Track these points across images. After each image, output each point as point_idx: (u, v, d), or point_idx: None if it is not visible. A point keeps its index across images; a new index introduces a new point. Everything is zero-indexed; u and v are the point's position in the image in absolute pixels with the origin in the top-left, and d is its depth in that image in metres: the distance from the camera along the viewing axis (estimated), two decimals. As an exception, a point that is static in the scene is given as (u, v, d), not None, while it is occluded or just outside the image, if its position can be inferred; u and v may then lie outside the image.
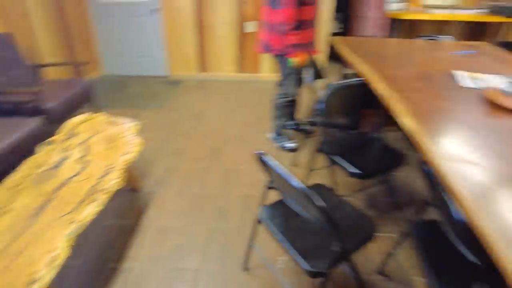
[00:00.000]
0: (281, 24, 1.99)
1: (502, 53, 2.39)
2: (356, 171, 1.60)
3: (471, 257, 0.93)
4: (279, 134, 2.57)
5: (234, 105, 3.34)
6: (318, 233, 1.21)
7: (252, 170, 2.28)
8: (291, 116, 2.78)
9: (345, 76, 2.81)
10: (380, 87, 1.63)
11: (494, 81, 1.74)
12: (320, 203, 0.93)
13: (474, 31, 4.80)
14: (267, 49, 2.24)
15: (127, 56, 4.07)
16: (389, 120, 2.15)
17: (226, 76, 4.08)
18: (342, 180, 2.20)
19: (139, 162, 2.36)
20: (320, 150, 1.82)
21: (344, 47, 2.35)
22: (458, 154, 1.07)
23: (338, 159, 1.69)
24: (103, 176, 1.52)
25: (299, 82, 2.35)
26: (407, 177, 2.26)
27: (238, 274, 1.54)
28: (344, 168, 1.65)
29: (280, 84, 2.37)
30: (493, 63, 2.11)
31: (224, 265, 1.58)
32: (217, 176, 2.23)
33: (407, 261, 1.62)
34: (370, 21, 4.08)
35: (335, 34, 4.50)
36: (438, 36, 2.96)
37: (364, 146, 1.83)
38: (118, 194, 2.03)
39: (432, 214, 1.32)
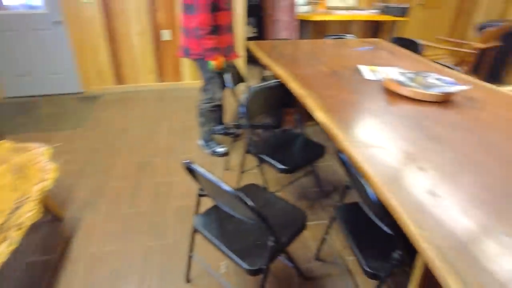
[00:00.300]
0: (197, 28, 2.02)
1: (394, 47, 2.74)
2: (283, 166, 1.69)
3: (387, 230, 1.06)
4: (208, 140, 2.58)
5: (158, 116, 3.24)
6: (253, 232, 1.25)
7: (184, 180, 2.24)
8: (218, 121, 2.81)
9: (264, 79, 2.93)
10: (295, 87, 1.74)
11: (389, 72, 1.98)
12: (250, 202, 0.97)
13: (372, 29, 5.39)
14: (187, 53, 2.26)
15: (31, 75, 3.66)
16: (308, 116, 2.29)
17: (147, 87, 3.94)
18: (272, 176, 2.29)
19: (59, 189, 2.15)
20: (248, 151, 1.88)
21: (259, 51, 2.46)
22: (366, 140, 1.21)
23: (265, 158, 1.76)
24: (14, 211, 1.36)
25: (222, 86, 2.38)
26: (330, 166, 2.45)
27: (182, 287, 1.51)
28: (272, 166, 1.73)
29: (203, 89, 2.38)
30: (388, 56, 2.41)
31: (166, 281, 1.54)
32: (148, 192, 2.14)
33: (338, 244, 1.76)
34: (283, 24, 4.31)
35: (250, 38, 4.66)
36: (343, 35, 3.26)
37: (288, 142, 1.94)
38: (36, 227, 1.83)
39: (353, 197, 1.46)
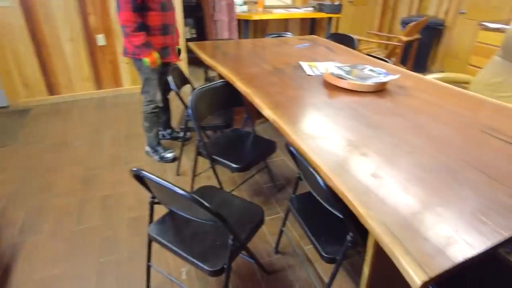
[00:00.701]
0: (122, 26, 2.00)
1: (330, 43, 2.89)
2: (236, 165, 1.70)
3: (338, 215, 1.12)
4: (154, 146, 2.50)
5: (100, 125, 3.06)
6: (211, 233, 1.25)
7: (134, 190, 2.15)
8: (165, 125, 2.74)
9: (209, 79, 2.91)
10: (241, 86, 1.76)
11: (328, 67, 2.09)
12: (206, 204, 0.96)
13: (308, 26, 5.62)
14: (124, 52, 2.21)
15: None
16: (258, 114, 2.32)
17: (84, 96, 3.69)
18: (226, 177, 2.30)
19: (-11, 215, 1.94)
20: (199, 154, 1.86)
21: (201, 51, 2.44)
22: (312, 133, 1.26)
23: (218, 158, 1.75)
24: None
25: (163, 87, 2.33)
26: (282, 160, 2.52)
27: (142, 301, 1.46)
28: (225, 166, 1.73)
29: (142, 91, 2.31)
30: (325, 52, 2.53)
31: (124, 297, 1.47)
32: (96, 206, 2.02)
33: (296, 234, 1.82)
34: (223, 24, 4.31)
35: (189, 39, 4.61)
36: (282, 33, 3.36)
37: (239, 141, 1.95)
38: (-34, 261, 1.63)
39: (305, 187, 1.52)
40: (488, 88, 2.50)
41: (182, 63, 4.00)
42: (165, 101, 2.63)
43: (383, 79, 1.73)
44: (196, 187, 2.17)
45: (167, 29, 2.18)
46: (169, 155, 2.48)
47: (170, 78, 2.01)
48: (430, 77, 2.55)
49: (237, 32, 4.44)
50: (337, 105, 1.54)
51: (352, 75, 1.80)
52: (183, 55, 3.95)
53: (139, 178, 1.10)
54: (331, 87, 1.77)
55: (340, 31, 5.82)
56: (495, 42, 3.69)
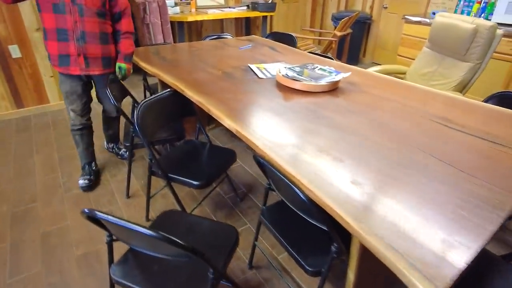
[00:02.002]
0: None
1: (272, 43, 2.86)
2: (197, 182, 1.57)
3: (319, 225, 1.07)
4: (82, 165, 2.27)
5: (26, 150, 2.67)
6: (184, 267, 1.12)
7: (80, 222, 1.89)
8: (108, 138, 2.49)
9: (150, 88, 2.70)
10: (191, 95, 1.63)
11: (277, 68, 2.05)
12: (179, 241, 0.84)
13: (243, 25, 5.58)
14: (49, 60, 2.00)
15: None
16: (208, 119, 2.17)
17: (1, 117, 3.20)
18: (184, 192, 2.14)
19: None
20: (153, 173, 1.69)
21: (139, 59, 2.24)
22: (279, 141, 1.20)
23: (175, 177, 1.61)
24: None
25: (80, 105, 2.08)
26: (239, 167, 2.43)
27: None
28: (185, 183, 1.59)
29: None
30: (270, 52, 2.49)
31: None
32: (33, 249, 1.73)
33: (267, 245, 1.75)
34: (156, 27, 4.06)
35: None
36: (220, 34, 3.25)
37: (194, 154, 1.82)
38: None
39: (274, 197, 1.46)
40: (422, 77, 2.68)
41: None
42: (114, 119, 2.40)
43: (335, 78, 1.74)
44: (152, 209, 1.99)
45: (63, 34, 1.87)
46: (81, 181, 2.20)
47: (108, 90, 1.80)
48: (371, 70, 2.66)
49: (172, 35, 4.22)
50: (295, 108, 1.49)
51: (304, 76, 1.77)
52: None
53: (94, 220, 0.92)
54: (285, 89, 1.73)
55: (275, 29, 5.88)
56: (418, 34, 4.01)
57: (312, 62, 2.07)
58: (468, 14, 3.98)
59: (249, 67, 2.08)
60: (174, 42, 4.69)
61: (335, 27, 5.06)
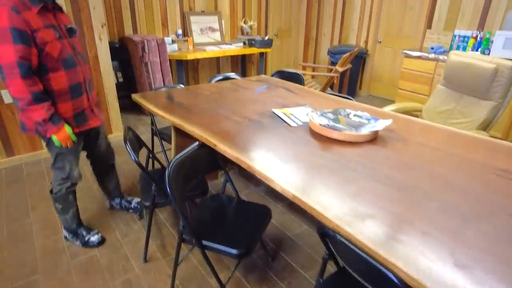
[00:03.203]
0: (13, 99, 1.51)
1: (285, 83, 2.78)
2: (237, 250, 1.38)
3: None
4: (74, 229, 2.00)
5: (19, 206, 2.39)
6: None
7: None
8: (111, 193, 2.29)
9: (159, 134, 2.52)
10: (226, 149, 1.47)
11: (303, 113, 1.94)
12: None
13: (239, 61, 5.57)
14: (23, 128, 1.70)
15: None
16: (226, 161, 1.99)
17: (-11, 167, 2.92)
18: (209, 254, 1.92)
19: None
20: (183, 240, 1.48)
21: (153, 105, 2.07)
22: (353, 211, 1.04)
23: (210, 244, 1.41)
24: None
25: (77, 158, 1.88)
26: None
27: None
28: (222, 252, 1.40)
29: (54, 167, 1.82)
30: (287, 94, 2.39)
31: None
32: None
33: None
34: (155, 66, 3.94)
35: (117, 84, 4.13)
36: (227, 74, 3.15)
37: (225, 213, 1.63)
38: None
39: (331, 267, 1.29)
40: (439, 115, 2.63)
41: (115, 114, 3.50)
42: (107, 169, 2.18)
43: (376, 126, 1.63)
44: (180, 281, 1.75)
45: (78, 89, 1.72)
46: (94, 238, 2.00)
47: (128, 147, 1.62)
48: (387, 109, 2.59)
49: (169, 72, 4.11)
50: (344, 162, 1.36)
51: (341, 124, 1.66)
52: (114, 104, 3.46)
53: None
54: (322, 139, 1.60)
55: (269, 64, 5.91)
56: (418, 68, 4.06)
57: (343, 107, 1.97)
58: (464, 49, 4.08)
59: (275, 113, 1.96)
60: (173, 80, 4.58)
61: (332, 62, 5.11)
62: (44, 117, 1.56)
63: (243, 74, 5.59)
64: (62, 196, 1.87)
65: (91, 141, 2.00)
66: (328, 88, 4.33)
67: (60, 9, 1.67)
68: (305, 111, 1.99)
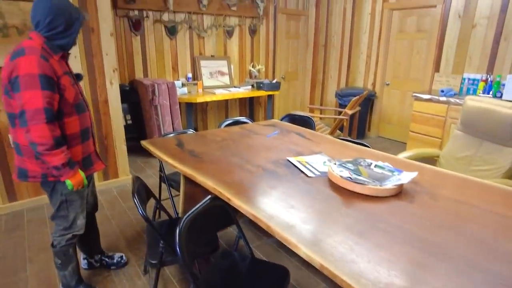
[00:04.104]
0: (33, 144, 1.46)
1: (294, 128, 2.71)
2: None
3: None
4: (73, 285, 1.84)
5: (16, 259, 2.25)
6: None
7: None
8: (90, 250, 2.10)
9: (168, 182, 2.43)
10: (241, 205, 1.36)
11: (319, 162, 1.84)
12: None
13: (247, 104, 5.60)
14: (24, 176, 1.62)
15: None
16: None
17: (-11, 213, 2.81)
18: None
19: None
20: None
21: (163, 153, 2.00)
22: (388, 285, 0.91)
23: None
24: None
25: (83, 207, 1.78)
26: (274, 273, 2.07)
27: None
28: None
29: (55, 217, 1.72)
30: (300, 140, 2.32)
31: None
32: None
33: None
34: (164, 109, 3.95)
35: (126, 126, 4.11)
36: (237, 118, 3.12)
37: (239, 273, 1.49)
38: None
39: None
40: (459, 162, 2.52)
41: (122, 157, 3.43)
42: (91, 222, 2.04)
43: (401, 179, 1.52)
44: None
45: (86, 133, 1.72)
46: None
47: (135, 198, 1.51)
48: (402, 156, 2.49)
49: (180, 115, 4.10)
50: (373, 222, 1.23)
51: (363, 176, 1.56)
52: (122, 147, 3.40)
53: None
54: (343, 192, 1.49)
55: (276, 106, 5.94)
56: (429, 110, 4.02)
57: (362, 157, 1.87)
58: (475, 92, 4.06)
59: (290, 161, 1.87)
60: (182, 123, 4.57)
61: (340, 104, 5.12)
62: (63, 161, 1.52)
63: (251, 116, 5.60)
64: (61, 249, 1.74)
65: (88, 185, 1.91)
66: (338, 131, 4.28)
67: (68, 56, 1.68)
68: (321, 159, 1.90)
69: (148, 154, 4.28)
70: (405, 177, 1.53)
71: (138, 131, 4.38)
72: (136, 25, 4.16)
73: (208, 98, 4.31)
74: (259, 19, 5.26)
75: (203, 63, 4.78)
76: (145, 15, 4.19)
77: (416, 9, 4.59)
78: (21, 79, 1.40)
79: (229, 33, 5.01)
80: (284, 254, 2.31)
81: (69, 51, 1.63)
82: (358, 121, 5.00)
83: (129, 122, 4.36)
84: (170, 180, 2.46)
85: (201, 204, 1.43)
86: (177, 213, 2.43)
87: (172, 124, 4.09)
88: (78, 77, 1.71)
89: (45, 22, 1.48)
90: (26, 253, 2.31)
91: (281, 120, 3.20)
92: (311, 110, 5.84)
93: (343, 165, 1.67)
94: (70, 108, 1.58)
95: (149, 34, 4.29)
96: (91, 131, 1.76)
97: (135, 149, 4.36)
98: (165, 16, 4.35)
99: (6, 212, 2.86)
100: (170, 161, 1.88)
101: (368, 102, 5.08)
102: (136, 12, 4.13)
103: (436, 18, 4.35)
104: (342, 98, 5.00)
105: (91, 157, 1.76)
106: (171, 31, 4.42)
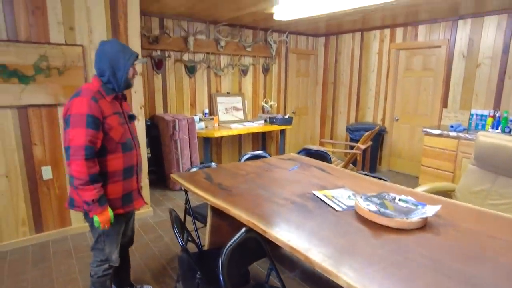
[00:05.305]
0: (71, 177, 1.61)
1: (313, 161, 2.83)
2: None
3: None
4: None
5: (46, 289, 2.31)
6: None
7: None
8: (121, 283, 2.16)
9: (194, 214, 2.52)
10: (277, 237, 1.45)
11: (346, 196, 1.94)
12: None
13: (260, 138, 5.77)
14: (71, 204, 1.76)
15: None
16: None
17: (17, 244, 2.88)
18: None
19: None
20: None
21: (194, 186, 2.11)
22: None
23: None
24: None
25: (118, 241, 1.88)
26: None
27: None
28: None
29: (94, 248, 1.83)
30: (322, 174, 2.42)
31: None
32: None
33: None
34: (183, 143, 4.11)
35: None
36: (256, 152, 3.25)
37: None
38: None
39: None
40: (475, 196, 2.60)
41: (145, 190, 3.54)
42: (125, 254, 2.12)
43: (427, 212, 1.61)
44: None
45: (130, 171, 1.82)
46: None
47: (177, 232, 1.61)
48: (419, 190, 2.57)
49: (196, 148, 4.25)
50: (404, 253, 1.31)
51: (389, 210, 1.65)
52: (145, 180, 3.52)
53: None
54: (371, 225, 1.58)
55: (287, 140, 6.09)
56: (440, 145, 4.13)
57: (386, 191, 1.97)
58: (483, 127, 4.19)
59: (315, 195, 1.97)
60: (199, 156, 4.72)
61: (351, 138, 5.26)
62: (94, 197, 1.62)
63: (263, 149, 5.75)
64: (99, 280, 1.82)
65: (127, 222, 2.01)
66: (350, 164, 4.38)
67: (125, 98, 1.84)
68: (346, 193, 2.00)
69: (166, 187, 4.39)
70: (430, 210, 1.62)
71: (156, 164, 4.52)
72: (159, 64, 4.43)
73: (224, 133, 4.48)
74: (272, 58, 5.56)
75: (219, 99, 5.01)
76: (167, 55, 4.48)
77: (421, 49, 4.84)
78: (72, 117, 1.57)
79: (244, 72, 5.29)
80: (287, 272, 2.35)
81: (123, 93, 1.80)
82: (371, 155, 5.11)
83: (149, 155, 4.51)
84: (194, 212, 2.55)
85: (238, 236, 1.52)
86: (201, 245, 2.50)
87: (190, 157, 4.23)
88: (131, 117, 1.87)
89: (99, 67, 1.67)
90: (54, 285, 2.36)
91: (298, 153, 3.33)
92: (322, 144, 5.97)
93: (369, 199, 1.77)
94: (115, 146, 1.71)
95: (170, 72, 4.56)
96: (136, 169, 1.86)
97: (153, 182, 4.47)
98: (185, 56, 4.64)
99: (33, 243, 2.94)
100: (202, 194, 1.99)
101: (379, 136, 5.21)
102: (159, 52, 4.42)
103: (441, 57, 4.59)
104: (353, 132, 5.15)
105: (132, 194, 1.86)
106: (191, 70, 4.69)
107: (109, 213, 1.70)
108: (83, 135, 1.57)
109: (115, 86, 1.74)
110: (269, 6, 3.92)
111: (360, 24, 5.03)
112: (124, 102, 1.84)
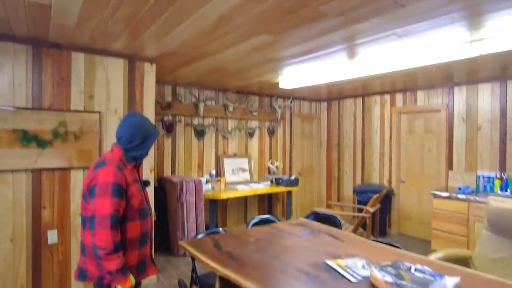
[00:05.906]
0: (95, 247, 1.57)
1: (323, 227, 2.78)
2: None
3: None
4: None
5: None
6: None
7: None
8: None
9: (200, 283, 2.42)
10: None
11: (360, 266, 1.88)
12: None
13: (266, 198, 5.73)
14: (83, 276, 1.70)
15: None
16: None
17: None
18: None
19: None
20: None
21: (200, 253, 2.06)
22: None
23: None
24: None
25: None
26: None
27: None
28: None
29: None
30: (333, 241, 2.37)
31: None
32: None
33: None
34: (190, 205, 4.09)
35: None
36: (264, 216, 3.21)
37: None
38: None
39: None
40: (494, 264, 2.50)
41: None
42: None
43: (446, 285, 1.55)
44: None
45: (145, 238, 1.81)
46: None
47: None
48: (434, 257, 2.49)
49: (203, 211, 4.22)
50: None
51: (405, 281, 1.59)
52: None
53: None
54: (391, 299, 1.51)
55: (294, 201, 6.04)
56: (450, 208, 4.08)
57: (400, 260, 1.91)
58: (492, 189, 4.17)
59: (328, 265, 1.91)
60: (205, 218, 4.66)
61: (358, 200, 5.21)
62: (118, 267, 1.58)
63: (270, 211, 5.67)
64: None
65: None
66: (360, 228, 4.28)
67: (141, 164, 1.90)
68: (360, 263, 1.94)
69: (169, 252, 4.26)
70: (449, 283, 1.56)
71: (160, 226, 4.45)
72: (169, 128, 4.61)
73: (231, 195, 4.48)
74: (277, 122, 5.77)
75: (226, 161, 5.10)
76: (178, 119, 4.67)
77: (422, 113, 5.03)
78: (98, 187, 1.60)
79: (250, 134, 5.46)
80: None
81: (141, 161, 1.87)
82: (380, 218, 5.02)
83: (154, 218, 4.46)
84: (201, 282, 2.45)
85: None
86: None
87: (196, 220, 4.18)
88: (145, 183, 1.91)
89: (126, 136, 1.75)
90: None
91: (307, 217, 3.29)
92: (329, 206, 5.91)
93: (384, 269, 1.71)
94: (134, 213, 1.72)
95: (180, 136, 4.72)
96: (150, 235, 1.86)
97: (156, 246, 4.35)
98: (195, 121, 4.84)
99: (29, 315, 2.79)
100: (212, 264, 1.94)
101: (387, 198, 5.16)
102: (170, 117, 4.62)
103: (442, 121, 4.74)
104: (360, 194, 5.12)
105: (146, 262, 1.82)
106: (200, 133, 4.86)
107: (132, 281, 1.66)
108: (108, 203, 1.58)
109: (142, 154, 1.81)
110: (274, 77, 4.20)
111: (360, 90, 5.30)
112: (140, 169, 1.90)
